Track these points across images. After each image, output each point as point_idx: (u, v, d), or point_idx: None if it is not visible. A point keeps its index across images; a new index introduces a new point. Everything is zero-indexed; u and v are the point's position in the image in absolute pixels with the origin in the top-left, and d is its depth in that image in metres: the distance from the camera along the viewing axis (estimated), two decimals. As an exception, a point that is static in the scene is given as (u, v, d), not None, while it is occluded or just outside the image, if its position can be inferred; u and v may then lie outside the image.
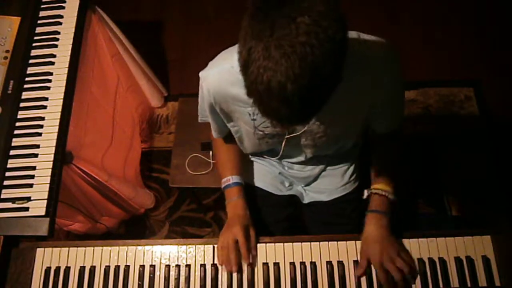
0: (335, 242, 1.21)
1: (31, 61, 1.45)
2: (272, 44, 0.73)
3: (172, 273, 1.20)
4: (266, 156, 1.42)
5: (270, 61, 0.73)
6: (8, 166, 1.30)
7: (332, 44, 0.74)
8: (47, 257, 1.23)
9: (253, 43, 0.75)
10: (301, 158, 1.33)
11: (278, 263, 1.20)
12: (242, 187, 1.28)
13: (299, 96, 0.74)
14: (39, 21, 1.52)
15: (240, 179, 1.29)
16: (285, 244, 1.22)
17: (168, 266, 1.21)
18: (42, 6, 1.55)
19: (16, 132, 1.34)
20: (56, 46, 1.48)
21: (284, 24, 0.72)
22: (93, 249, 1.23)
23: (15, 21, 1.50)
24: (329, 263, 1.19)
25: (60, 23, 1.52)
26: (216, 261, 1.21)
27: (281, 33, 0.72)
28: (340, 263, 1.19)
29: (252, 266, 1.19)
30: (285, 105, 0.76)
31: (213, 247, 1.23)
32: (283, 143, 1.19)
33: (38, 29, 1.51)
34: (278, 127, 1.07)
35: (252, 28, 0.75)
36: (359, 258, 1.19)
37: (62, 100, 1.38)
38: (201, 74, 1.11)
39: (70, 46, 1.47)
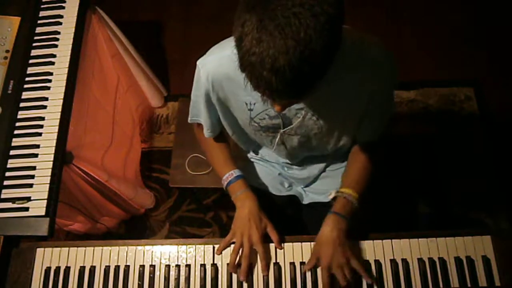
0: (335, 242, 1.21)
1: (31, 61, 1.45)
2: (266, 16, 0.73)
3: (172, 273, 1.20)
4: (265, 157, 1.42)
5: (264, 33, 0.73)
6: (8, 166, 1.30)
7: (326, 18, 0.74)
8: (47, 257, 1.23)
9: (247, 16, 0.75)
10: (291, 159, 1.33)
11: (278, 263, 1.20)
12: (245, 179, 1.26)
13: (291, 69, 0.74)
14: (39, 21, 1.52)
15: (241, 172, 1.27)
16: (285, 244, 1.22)
17: (168, 266, 1.21)
18: (42, 6, 1.55)
19: (16, 132, 1.34)
20: (56, 46, 1.48)
21: None
22: (93, 249, 1.23)
23: (15, 21, 1.50)
24: (329, 263, 1.19)
25: (60, 23, 1.52)
26: (216, 261, 1.21)
27: (276, 4, 0.73)
28: (340, 263, 1.19)
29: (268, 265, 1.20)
30: (277, 76, 0.76)
31: (213, 247, 1.22)
32: (278, 137, 1.18)
33: (38, 29, 1.51)
34: (270, 103, 1.01)
35: (247, 2, 0.76)
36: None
37: (62, 100, 1.38)
38: (199, 61, 1.10)
39: (70, 46, 1.47)
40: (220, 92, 1.10)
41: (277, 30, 0.72)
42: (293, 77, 0.76)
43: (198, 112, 1.22)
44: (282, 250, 1.21)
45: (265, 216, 1.21)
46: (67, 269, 1.21)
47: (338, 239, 1.14)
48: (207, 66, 1.08)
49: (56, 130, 1.34)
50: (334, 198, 1.22)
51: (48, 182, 1.27)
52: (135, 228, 2.10)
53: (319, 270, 1.18)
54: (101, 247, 1.23)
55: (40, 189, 1.26)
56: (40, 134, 1.34)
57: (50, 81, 1.41)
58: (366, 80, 1.02)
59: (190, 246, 1.23)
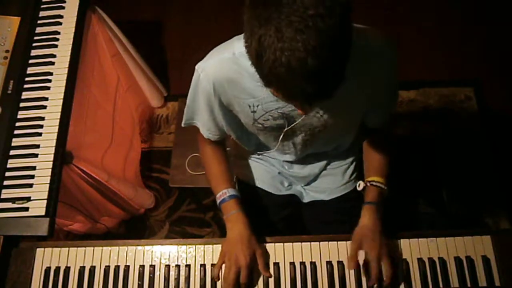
0: (335, 242, 1.21)
1: (31, 61, 1.45)
2: (283, 24, 0.72)
3: (172, 273, 1.20)
4: (265, 155, 1.42)
5: (285, 41, 0.72)
6: (8, 166, 1.30)
7: (340, 8, 0.74)
8: (47, 257, 1.23)
9: (262, 30, 0.74)
10: (294, 157, 1.33)
11: (278, 263, 1.20)
12: (239, 199, 1.23)
13: (321, 68, 0.74)
14: (39, 21, 1.52)
15: (236, 192, 1.24)
16: (285, 244, 1.22)
17: (168, 266, 1.21)
18: (42, 6, 1.55)
19: (16, 132, 1.34)
20: (56, 46, 1.47)
21: (289, 3, 0.72)
22: (93, 249, 1.23)
23: (15, 21, 1.50)
24: (329, 263, 1.19)
25: (60, 23, 1.52)
26: (215, 261, 1.20)
27: (288, 11, 0.72)
28: (340, 263, 1.19)
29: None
30: (309, 81, 0.75)
31: (213, 247, 1.22)
32: (281, 137, 1.18)
33: (38, 29, 1.50)
34: (303, 109, 1.00)
35: (258, 16, 0.75)
36: (359, 258, 1.19)
37: (62, 100, 1.38)
38: (198, 65, 1.08)
39: (70, 46, 1.47)
40: (222, 95, 1.09)
41: (298, 35, 0.72)
42: (324, 77, 0.76)
43: (193, 115, 1.20)
44: (282, 250, 1.21)
45: (256, 240, 1.19)
46: (67, 269, 1.21)
47: (380, 229, 1.16)
48: (208, 70, 1.07)
49: (56, 130, 1.34)
50: (364, 189, 1.24)
51: (48, 182, 1.27)
52: (135, 228, 2.10)
53: (319, 270, 1.18)
54: (101, 247, 1.23)
55: (40, 189, 1.26)
56: (40, 134, 1.34)
57: (50, 81, 1.41)
58: (368, 69, 1.01)
59: (190, 246, 1.23)
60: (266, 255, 1.20)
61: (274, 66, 0.74)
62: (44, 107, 1.37)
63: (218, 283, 1.18)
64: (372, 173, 1.24)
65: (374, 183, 1.22)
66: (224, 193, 1.22)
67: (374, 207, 1.19)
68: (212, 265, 1.20)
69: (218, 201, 1.24)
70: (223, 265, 1.18)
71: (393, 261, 1.15)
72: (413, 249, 1.20)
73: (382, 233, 1.16)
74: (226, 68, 1.04)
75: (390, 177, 1.26)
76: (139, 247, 1.23)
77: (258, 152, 1.42)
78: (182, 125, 1.25)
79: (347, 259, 1.18)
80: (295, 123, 1.12)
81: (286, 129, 1.14)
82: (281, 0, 0.73)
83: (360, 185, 1.26)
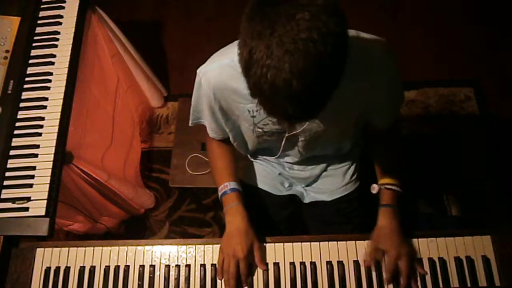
0: (335, 242, 1.22)
1: (31, 61, 1.45)
2: (274, 43, 0.72)
3: (172, 273, 1.20)
4: (265, 157, 1.42)
5: (273, 59, 0.72)
6: (8, 166, 1.30)
7: (334, 37, 0.74)
8: (47, 257, 1.23)
9: (254, 43, 0.74)
10: (295, 158, 1.33)
11: (278, 263, 1.20)
12: (240, 193, 1.25)
13: (304, 92, 0.74)
14: (39, 21, 1.52)
15: (237, 185, 1.25)
16: (285, 244, 1.22)
17: (168, 266, 1.21)
18: (42, 6, 1.55)
19: (16, 132, 1.34)
20: (56, 46, 1.47)
21: (284, 22, 0.72)
22: (93, 249, 1.23)
23: (15, 21, 1.50)
24: (329, 263, 1.19)
25: (60, 23, 1.52)
26: (215, 261, 1.21)
27: (282, 31, 0.72)
28: (340, 263, 1.19)
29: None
30: (291, 102, 0.76)
31: (213, 247, 1.23)
32: (283, 142, 1.18)
33: (38, 29, 1.50)
34: (284, 125, 1.05)
35: (252, 29, 0.75)
36: (359, 258, 1.19)
37: (62, 100, 1.38)
38: (199, 70, 1.09)
39: (70, 46, 1.47)
40: (222, 100, 1.10)
41: (287, 56, 0.72)
42: (307, 101, 0.76)
43: (199, 115, 1.22)
44: (282, 250, 1.21)
45: (254, 233, 1.20)
46: (67, 269, 1.21)
47: (398, 229, 1.17)
48: (208, 75, 1.07)
49: (56, 130, 1.34)
50: (379, 192, 1.24)
51: (48, 182, 1.27)
52: (135, 228, 2.10)
53: (319, 271, 1.18)
54: (101, 247, 1.23)
55: (40, 189, 1.26)
56: (40, 134, 1.34)
57: (50, 81, 1.41)
58: (367, 76, 1.01)
59: (190, 246, 1.23)
60: (264, 249, 1.21)
61: (259, 81, 0.75)
62: (44, 107, 1.37)
63: (218, 283, 1.19)
64: (383, 176, 1.24)
65: (387, 186, 1.21)
66: (225, 185, 1.24)
67: (390, 209, 1.19)
68: (212, 265, 1.20)
69: (219, 194, 1.25)
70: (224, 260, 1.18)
71: (412, 262, 1.16)
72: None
73: (400, 234, 1.17)
74: (226, 74, 1.04)
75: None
76: (139, 247, 1.23)
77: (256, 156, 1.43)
78: (190, 124, 1.27)
79: (364, 256, 1.18)
80: (295, 131, 1.12)
81: (287, 135, 1.14)
82: (277, 19, 0.73)
83: (374, 189, 1.25)
